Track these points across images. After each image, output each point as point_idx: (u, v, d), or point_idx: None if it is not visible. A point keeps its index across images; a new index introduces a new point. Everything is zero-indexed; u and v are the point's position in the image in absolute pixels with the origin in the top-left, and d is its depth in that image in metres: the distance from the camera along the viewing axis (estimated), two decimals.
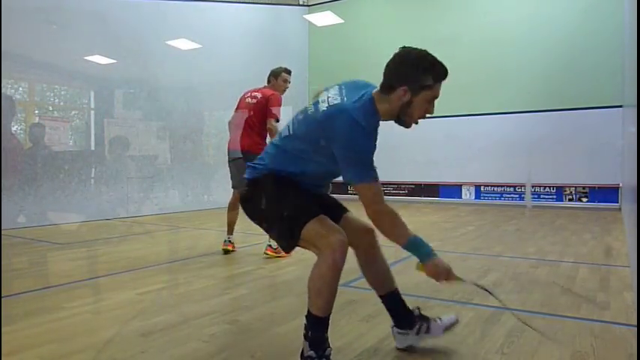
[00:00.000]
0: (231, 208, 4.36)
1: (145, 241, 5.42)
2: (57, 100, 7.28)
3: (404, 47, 2.08)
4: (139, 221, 6.96)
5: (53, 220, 6.43)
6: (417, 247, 1.89)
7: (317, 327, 1.88)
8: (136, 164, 7.78)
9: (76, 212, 6.76)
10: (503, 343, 2.15)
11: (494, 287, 3.13)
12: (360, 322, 2.44)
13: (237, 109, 4.42)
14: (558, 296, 2.92)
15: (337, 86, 2.02)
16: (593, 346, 2.10)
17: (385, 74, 1.96)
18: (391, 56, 2.03)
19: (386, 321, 2.45)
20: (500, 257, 4.20)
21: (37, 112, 6.77)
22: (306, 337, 1.87)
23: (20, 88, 6.71)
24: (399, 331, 2.13)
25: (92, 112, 7.37)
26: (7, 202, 5.99)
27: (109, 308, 2.74)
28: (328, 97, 1.93)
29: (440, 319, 2.14)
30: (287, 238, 1.92)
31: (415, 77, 1.90)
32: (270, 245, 4.04)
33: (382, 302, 2.21)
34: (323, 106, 1.89)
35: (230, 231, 4.36)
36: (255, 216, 2.01)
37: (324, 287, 1.87)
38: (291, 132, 2.02)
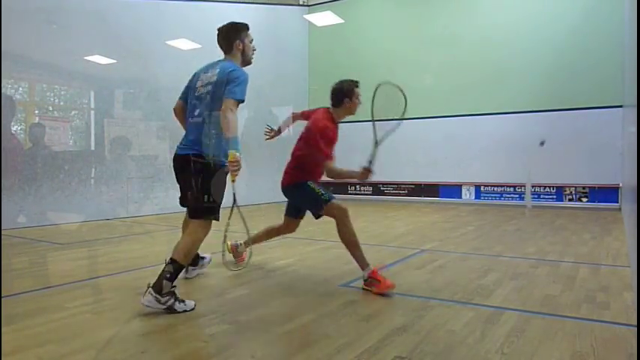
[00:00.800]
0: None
1: (145, 241, 5.43)
2: (57, 100, 7.27)
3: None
4: (139, 221, 6.96)
5: (53, 220, 6.43)
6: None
7: None
8: (136, 164, 7.78)
9: (76, 212, 6.76)
10: (503, 343, 2.15)
11: (495, 287, 3.13)
12: (360, 322, 2.43)
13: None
14: (558, 296, 2.92)
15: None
16: (593, 346, 2.11)
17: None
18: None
19: (386, 321, 2.45)
20: (500, 257, 4.20)
21: (37, 112, 6.77)
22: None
23: (20, 88, 6.71)
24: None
25: (92, 112, 7.36)
26: (7, 202, 5.99)
27: (109, 308, 2.74)
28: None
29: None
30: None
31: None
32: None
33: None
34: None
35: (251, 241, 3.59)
36: None
37: None
38: None
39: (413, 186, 10.27)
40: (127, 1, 7.59)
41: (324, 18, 10.47)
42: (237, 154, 2.69)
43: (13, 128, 6.50)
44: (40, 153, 6.52)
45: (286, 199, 3.69)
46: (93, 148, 7.33)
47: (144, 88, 7.88)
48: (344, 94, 3.49)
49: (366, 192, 10.87)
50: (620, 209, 8.21)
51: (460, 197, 9.83)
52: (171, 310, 2.57)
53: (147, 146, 8.06)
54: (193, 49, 8.67)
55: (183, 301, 2.65)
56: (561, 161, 8.92)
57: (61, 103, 7.32)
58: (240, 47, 3.08)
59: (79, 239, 5.46)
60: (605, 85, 8.50)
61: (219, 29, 3.13)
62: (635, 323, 2.38)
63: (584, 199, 8.81)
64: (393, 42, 10.62)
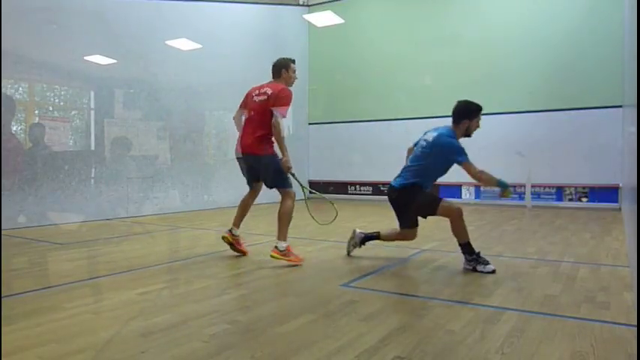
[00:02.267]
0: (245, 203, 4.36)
1: (145, 241, 5.42)
2: (57, 100, 7.27)
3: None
4: (139, 221, 6.96)
5: (53, 220, 6.43)
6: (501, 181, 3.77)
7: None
8: (136, 164, 7.78)
9: (76, 212, 6.76)
10: (503, 343, 2.15)
11: (495, 287, 3.13)
12: (360, 322, 2.43)
13: (247, 108, 4.13)
14: (558, 296, 2.92)
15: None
16: (593, 346, 2.11)
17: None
18: None
19: (386, 321, 2.45)
20: (500, 257, 4.20)
21: (37, 112, 6.77)
22: None
23: (20, 88, 6.71)
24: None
25: (92, 112, 7.36)
26: (7, 202, 5.99)
27: (109, 308, 2.74)
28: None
29: None
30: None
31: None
32: (276, 247, 3.86)
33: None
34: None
35: (235, 223, 4.27)
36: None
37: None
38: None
39: None
40: (127, 1, 7.59)
41: (324, 18, 10.46)
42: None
43: (13, 128, 6.50)
44: (40, 153, 6.52)
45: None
46: (93, 148, 7.32)
47: (144, 88, 7.88)
48: (281, 67, 4.17)
49: (366, 192, 10.87)
50: (620, 209, 8.21)
51: (460, 197, 9.83)
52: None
53: (147, 146, 8.06)
54: (193, 49, 8.67)
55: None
56: (561, 161, 8.92)
57: (61, 103, 7.32)
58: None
59: (79, 239, 5.46)
60: (605, 85, 8.50)
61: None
62: (635, 323, 2.38)
63: (584, 199, 8.81)
64: (393, 42, 10.62)
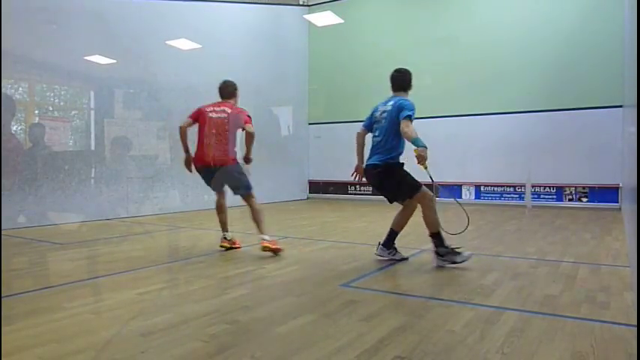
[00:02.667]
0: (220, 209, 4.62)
1: (144, 241, 5.42)
2: (57, 100, 7.27)
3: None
4: (139, 221, 6.96)
5: (53, 220, 6.43)
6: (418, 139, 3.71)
7: None
8: (136, 164, 7.78)
9: (76, 212, 6.76)
10: (504, 343, 2.15)
11: (495, 287, 3.13)
12: (360, 322, 2.43)
13: (205, 124, 4.45)
14: (558, 296, 2.92)
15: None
16: (593, 346, 2.10)
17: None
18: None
19: (386, 321, 2.45)
20: (500, 257, 4.20)
21: (37, 112, 6.77)
22: None
23: (20, 88, 6.71)
24: None
25: (92, 112, 7.36)
26: (7, 202, 5.99)
27: (109, 308, 2.74)
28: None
29: None
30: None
31: None
32: (264, 239, 4.21)
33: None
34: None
35: (224, 228, 4.54)
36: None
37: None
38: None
39: None
40: (127, 1, 7.59)
41: (324, 18, 10.47)
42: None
43: (13, 128, 6.50)
44: (40, 153, 6.52)
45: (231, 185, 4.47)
46: (93, 148, 7.32)
47: (144, 88, 7.89)
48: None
49: (366, 192, 10.87)
50: (620, 209, 8.21)
51: (460, 197, 9.83)
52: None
53: (147, 146, 8.06)
54: (193, 49, 8.67)
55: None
56: (561, 161, 8.93)
57: (61, 103, 7.32)
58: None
59: (79, 239, 5.46)
60: (605, 85, 8.50)
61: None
62: (635, 323, 2.38)
63: (584, 199, 8.81)
64: (393, 42, 10.62)
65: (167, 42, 8.32)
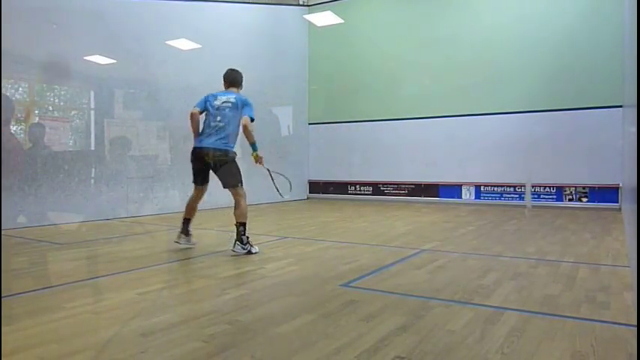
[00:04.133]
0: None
1: (144, 241, 5.43)
2: (57, 100, 7.27)
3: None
4: (139, 221, 6.96)
5: (53, 220, 6.43)
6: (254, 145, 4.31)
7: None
8: (136, 164, 7.78)
9: (76, 212, 6.75)
10: (503, 343, 2.15)
11: (495, 287, 3.13)
12: (360, 322, 2.44)
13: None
14: (558, 296, 2.92)
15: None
16: (593, 346, 2.11)
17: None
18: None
19: (386, 321, 2.45)
20: (500, 257, 4.20)
21: (37, 112, 6.77)
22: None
23: (20, 88, 6.71)
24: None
25: (92, 112, 7.36)
26: (7, 202, 5.99)
27: (109, 308, 2.74)
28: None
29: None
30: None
31: None
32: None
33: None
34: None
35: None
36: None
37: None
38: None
39: (413, 186, 10.27)
40: (127, 1, 7.59)
41: (324, 18, 10.47)
42: None
43: (13, 128, 6.50)
44: (40, 153, 6.52)
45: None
46: (93, 148, 7.32)
47: (144, 88, 7.89)
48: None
49: (366, 192, 10.87)
50: (620, 209, 8.21)
51: (460, 197, 9.83)
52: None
53: (147, 146, 8.06)
54: (193, 49, 8.67)
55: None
56: (561, 161, 8.93)
57: (61, 103, 7.32)
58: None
59: (79, 239, 5.46)
60: (605, 85, 8.50)
61: None
62: (635, 323, 2.38)
63: (584, 199, 8.81)
64: (392, 42, 10.62)
65: (167, 42, 8.32)
